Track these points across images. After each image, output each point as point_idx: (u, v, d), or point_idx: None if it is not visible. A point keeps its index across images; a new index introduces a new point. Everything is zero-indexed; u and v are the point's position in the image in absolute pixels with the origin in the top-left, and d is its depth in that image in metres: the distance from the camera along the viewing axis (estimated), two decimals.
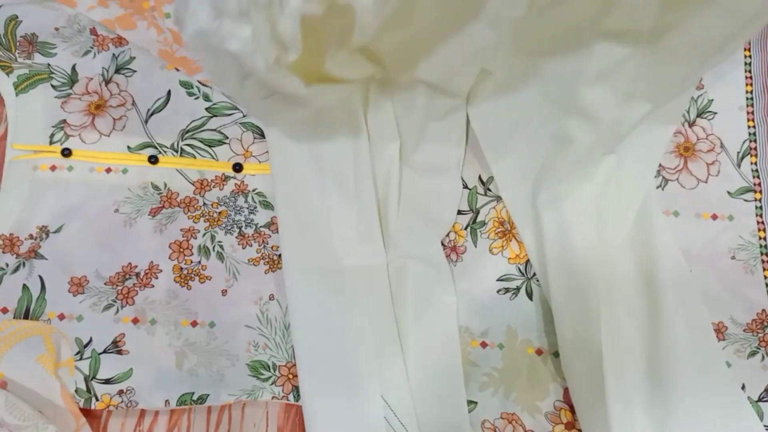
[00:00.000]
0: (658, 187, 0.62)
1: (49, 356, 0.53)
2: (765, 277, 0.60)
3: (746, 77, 0.66)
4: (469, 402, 0.56)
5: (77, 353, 0.55)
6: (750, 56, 0.67)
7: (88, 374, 0.54)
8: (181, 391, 0.54)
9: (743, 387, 0.55)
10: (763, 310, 0.58)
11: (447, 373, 0.55)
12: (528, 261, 0.60)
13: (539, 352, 0.58)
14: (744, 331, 0.58)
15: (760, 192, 0.62)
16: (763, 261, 0.60)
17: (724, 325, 0.58)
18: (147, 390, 0.54)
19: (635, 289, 0.56)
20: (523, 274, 0.60)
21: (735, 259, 0.60)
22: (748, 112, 0.65)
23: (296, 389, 0.55)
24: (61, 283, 0.57)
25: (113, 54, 0.64)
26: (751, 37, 0.65)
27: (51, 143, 0.61)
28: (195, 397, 0.54)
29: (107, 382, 0.54)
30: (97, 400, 0.53)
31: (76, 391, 0.53)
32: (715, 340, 0.56)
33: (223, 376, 0.56)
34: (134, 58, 0.64)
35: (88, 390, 0.54)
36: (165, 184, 0.61)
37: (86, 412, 0.54)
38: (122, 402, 0.54)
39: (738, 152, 0.64)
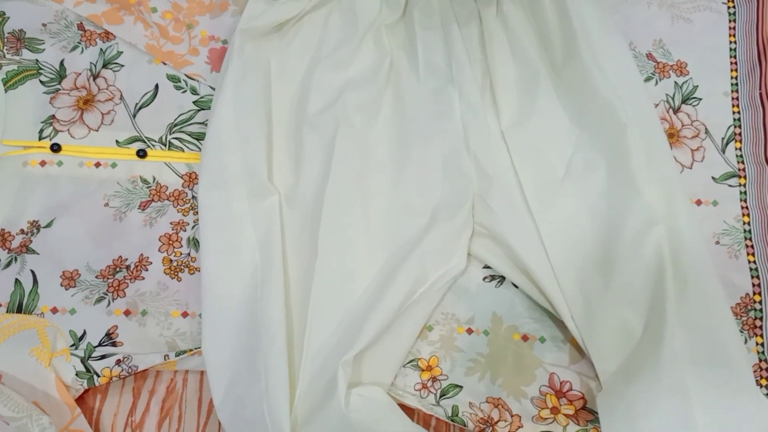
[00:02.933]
0: None
1: (44, 349, 0.54)
2: (749, 262, 0.60)
3: (731, 63, 0.66)
4: (455, 386, 0.57)
5: (72, 345, 0.56)
6: (735, 42, 0.67)
7: (84, 356, 0.55)
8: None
9: None
10: (747, 294, 0.59)
11: None
12: None
13: (525, 338, 0.58)
14: None
15: (745, 177, 0.63)
16: (747, 246, 0.61)
17: None
18: (143, 354, 0.55)
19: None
20: None
21: (719, 244, 0.61)
22: (732, 98, 0.65)
23: None
24: (53, 277, 0.58)
25: (101, 49, 0.65)
26: None
27: (40, 139, 0.62)
28: (192, 347, 0.56)
29: (103, 357, 0.55)
30: (98, 376, 0.54)
31: (76, 374, 0.54)
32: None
33: None
34: (121, 52, 0.65)
35: (88, 370, 0.55)
36: (154, 178, 0.62)
37: (80, 403, 0.55)
38: (123, 371, 0.55)
39: (723, 138, 0.64)
